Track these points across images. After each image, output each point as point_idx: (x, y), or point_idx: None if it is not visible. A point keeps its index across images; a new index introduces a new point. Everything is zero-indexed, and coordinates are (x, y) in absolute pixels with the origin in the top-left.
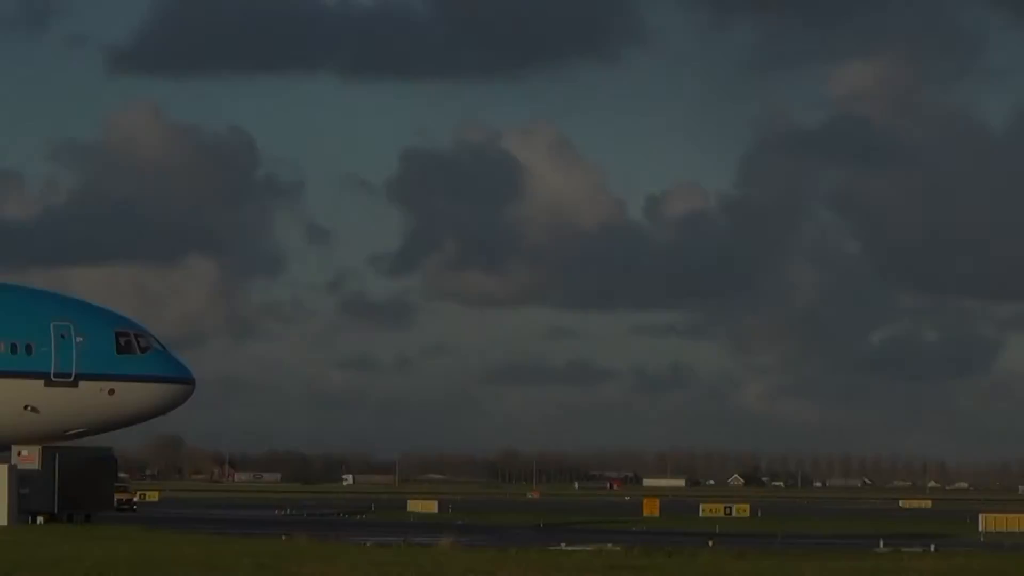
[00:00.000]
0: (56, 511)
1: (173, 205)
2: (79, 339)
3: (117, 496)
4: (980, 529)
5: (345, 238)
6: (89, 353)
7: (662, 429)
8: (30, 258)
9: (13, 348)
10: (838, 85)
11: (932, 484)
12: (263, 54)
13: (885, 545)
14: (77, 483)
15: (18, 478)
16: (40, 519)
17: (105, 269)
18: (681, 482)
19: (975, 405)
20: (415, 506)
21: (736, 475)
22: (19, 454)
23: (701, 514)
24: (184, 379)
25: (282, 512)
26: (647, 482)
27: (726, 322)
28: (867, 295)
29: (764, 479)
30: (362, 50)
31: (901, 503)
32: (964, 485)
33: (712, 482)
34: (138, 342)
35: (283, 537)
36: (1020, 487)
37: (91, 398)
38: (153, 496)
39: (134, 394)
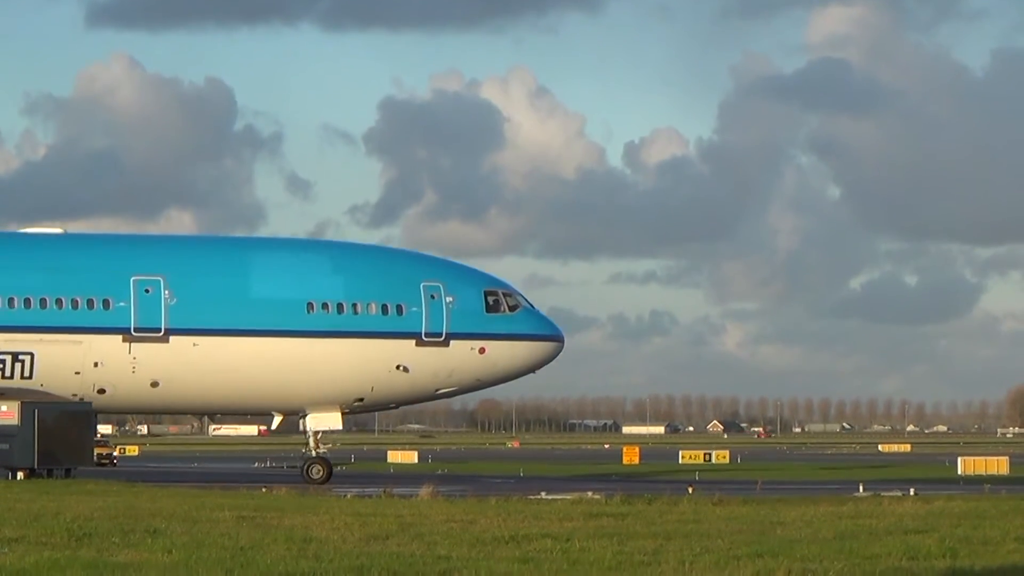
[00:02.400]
0: (36, 466)
1: (152, 159)
2: (449, 299)
3: (97, 451)
4: (959, 473)
5: (325, 190)
6: (459, 313)
7: (642, 377)
8: (9, 214)
9: (384, 309)
10: (817, 30)
11: (911, 428)
12: (241, 5)
13: (865, 490)
14: (56, 438)
15: None
16: (20, 475)
17: (84, 223)
18: (661, 429)
19: (954, 349)
20: (395, 456)
21: (715, 421)
22: None
23: (681, 461)
24: (553, 336)
25: (262, 465)
26: (626, 430)
27: (706, 269)
28: (847, 240)
29: (743, 425)
30: (337, 2)
31: (880, 447)
32: (943, 429)
33: (692, 429)
34: (506, 301)
35: (264, 489)
36: (999, 430)
37: (462, 358)
38: (133, 451)
39: (504, 353)
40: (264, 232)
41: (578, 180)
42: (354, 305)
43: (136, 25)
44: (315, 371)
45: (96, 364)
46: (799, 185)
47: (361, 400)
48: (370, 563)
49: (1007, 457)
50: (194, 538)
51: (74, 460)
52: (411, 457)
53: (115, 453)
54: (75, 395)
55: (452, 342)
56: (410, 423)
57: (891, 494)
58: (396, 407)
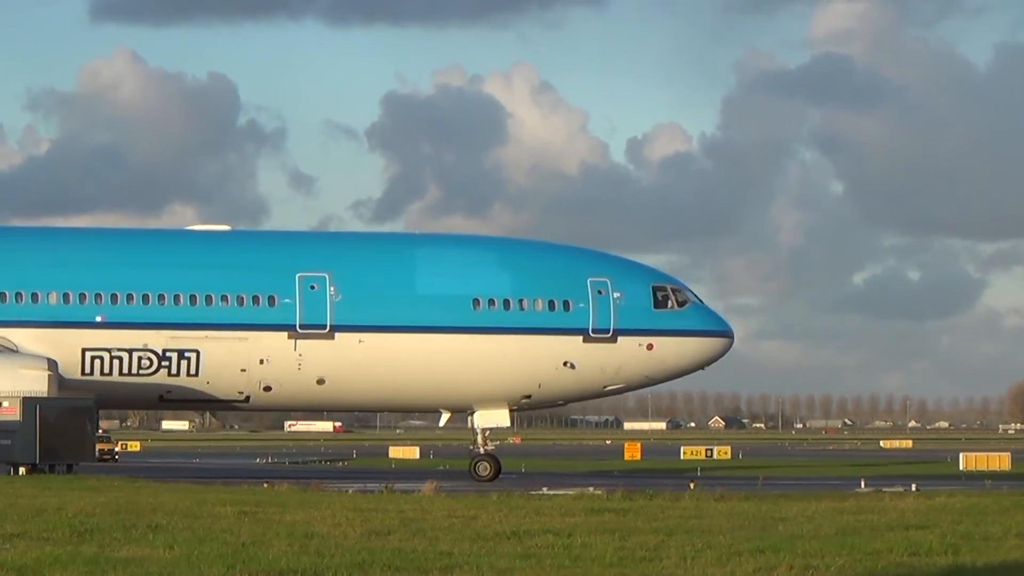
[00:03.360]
0: (38, 462)
1: (155, 154)
2: (616, 295)
3: (99, 446)
4: (961, 468)
5: (328, 185)
6: (627, 309)
7: None
8: (12, 209)
9: (551, 305)
10: (820, 25)
11: (913, 424)
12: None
13: (866, 485)
14: (58, 434)
15: None
16: (22, 470)
17: (87, 218)
18: (662, 425)
19: (956, 345)
20: (396, 452)
21: (717, 417)
22: (0, 405)
23: (682, 457)
24: (722, 333)
25: (264, 461)
26: (628, 425)
27: (708, 264)
28: (850, 236)
29: (745, 421)
30: None
31: (882, 443)
32: (945, 425)
33: (693, 425)
34: (675, 296)
35: (265, 485)
36: (1000, 426)
37: (629, 354)
38: (135, 446)
39: (673, 349)
40: (267, 227)
41: (581, 176)
42: (520, 301)
43: (140, 20)
44: (482, 368)
45: (262, 361)
46: (802, 181)
47: (528, 397)
48: (372, 559)
49: (1009, 453)
50: (196, 534)
51: (76, 456)
52: (413, 453)
53: (117, 449)
54: (241, 392)
55: (620, 338)
56: (412, 419)
57: (893, 490)
58: (564, 404)
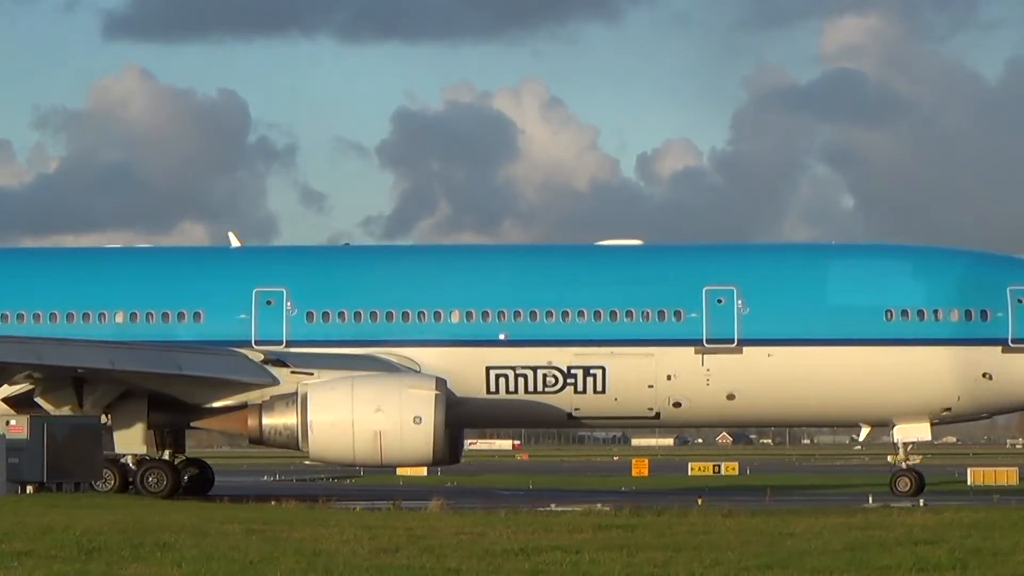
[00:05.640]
0: (45, 480)
1: (165, 171)
2: None
3: None
4: (969, 483)
5: (339, 202)
6: None
7: None
8: (22, 227)
9: (967, 315)
10: (832, 41)
11: None
12: (260, 17)
13: (874, 500)
14: (66, 452)
15: (6, 448)
16: (29, 488)
17: (98, 236)
18: (670, 441)
19: None
20: (404, 471)
21: (724, 433)
22: (7, 423)
23: (690, 473)
24: None
25: (271, 478)
26: (635, 442)
27: None
28: None
29: (752, 437)
30: (357, 13)
31: (890, 458)
32: (952, 440)
33: (701, 441)
34: None
35: (273, 502)
36: (1008, 441)
37: None
38: None
39: None
40: (277, 244)
41: (592, 192)
42: (935, 311)
43: (152, 37)
44: (897, 380)
45: (669, 377)
46: (814, 195)
47: (948, 410)
48: None
49: (1016, 468)
50: (203, 552)
51: (84, 474)
52: (420, 470)
53: None
54: (650, 409)
55: None
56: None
57: (901, 505)
58: (988, 417)
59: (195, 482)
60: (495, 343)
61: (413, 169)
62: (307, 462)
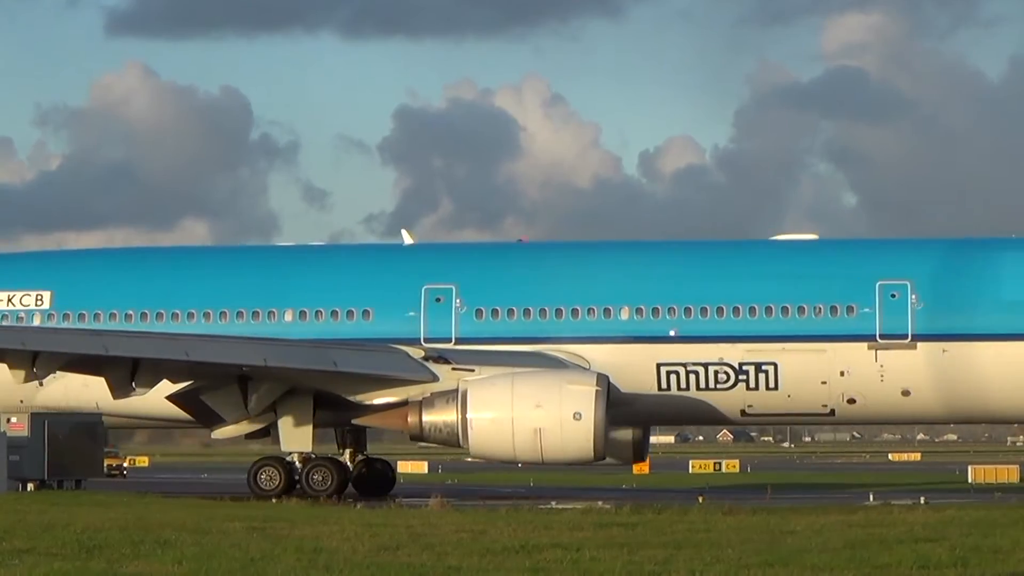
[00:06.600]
0: (46, 478)
1: (167, 168)
2: None
3: (107, 462)
4: (970, 481)
5: (340, 199)
6: None
7: None
8: (24, 225)
9: None
10: (834, 38)
11: (921, 437)
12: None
13: (875, 498)
14: (67, 449)
15: (7, 445)
16: (30, 486)
17: (100, 234)
18: (671, 439)
19: None
20: (404, 467)
21: (725, 431)
22: (8, 421)
23: (691, 471)
24: None
25: None
26: None
27: None
28: None
29: (753, 434)
30: (359, 10)
31: (891, 456)
32: (953, 437)
33: (701, 438)
34: None
35: (274, 500)
36: (1009, 439)
37: None
38: (143, 462)
39: None
40: (279, 241)
41: (594, 189)
42: None
43: (156, 34)
44: None
45: (843, 373)
46: (816, 193)
47: None
48: (380, 573)
49: (1017, 466)
50: (204, 549)
51: (85, 471)
52: (421, 468)
53: (125, 464)
54: (824, 406)
55: None
56: None
57: (901, 503)
58: None
59: (375, 481)
60: (665, 339)
61: (415, 166)
62: (468, 459)
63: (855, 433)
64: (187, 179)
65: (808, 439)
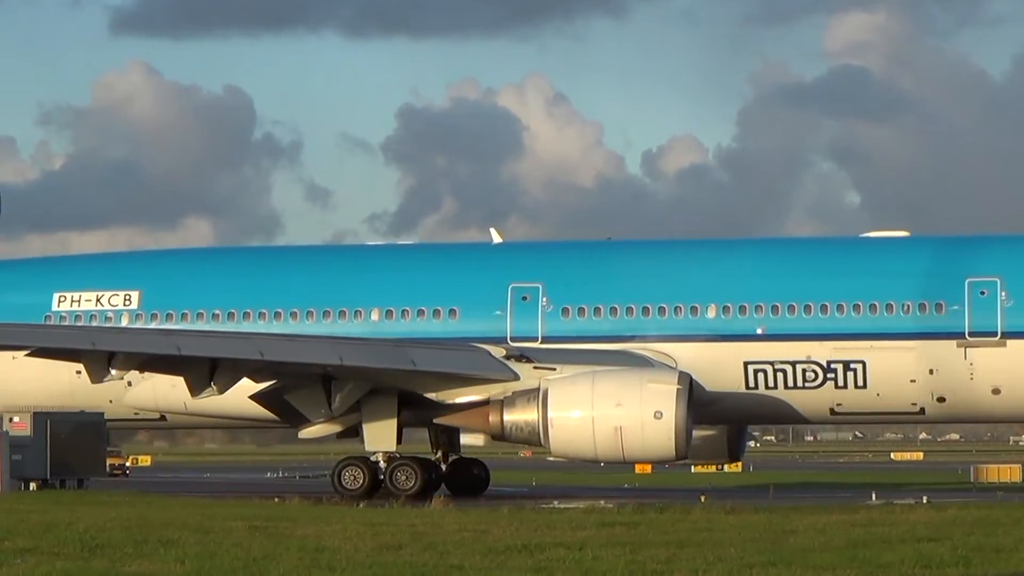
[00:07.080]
0: (49, 477)
1: (169, 168)
2: None
3: (109, 461)
4: (972, 480)
5: (344, 198)
6: None
7: None
8: (27, 224)
9: None
10: (837, 37)
11: (923, 436)
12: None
13: (877, 498)
14: (69, 449)
15: (10, 444)
16: (33, 485)
17: (103, 233)
18: None
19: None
20: None
21: None
22: (11, 420)
23: (693, 470)
24: None
25: (274, 475)
26: None
27: None
28: None
29: (755, 433)
30: (362, 10)
31: (893, 455)
32: (955, 437)
33: None
34: None
35: (276, 499)
36: (1011, 438)
37: None
38: (145, 461)
39: None
40: (282, 240)
41: (597, 188)
42: None
43: (159, 33)
44: None
45: (932, 371)
46: (819, 192)
47: None
48: (383, 573)
49: (1020, 465)
50: (206, 548)
51: (87, 471)
52: None
53: (128, 464)
54: (914, 404)
55: None
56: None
57: (904, 502)
58: None
59: (469, 482)
60: (753, 337)
61: (418, 166)
62: (550, 458)
63: (857, 432)
64: (190, 178)
65: (810, 438)
